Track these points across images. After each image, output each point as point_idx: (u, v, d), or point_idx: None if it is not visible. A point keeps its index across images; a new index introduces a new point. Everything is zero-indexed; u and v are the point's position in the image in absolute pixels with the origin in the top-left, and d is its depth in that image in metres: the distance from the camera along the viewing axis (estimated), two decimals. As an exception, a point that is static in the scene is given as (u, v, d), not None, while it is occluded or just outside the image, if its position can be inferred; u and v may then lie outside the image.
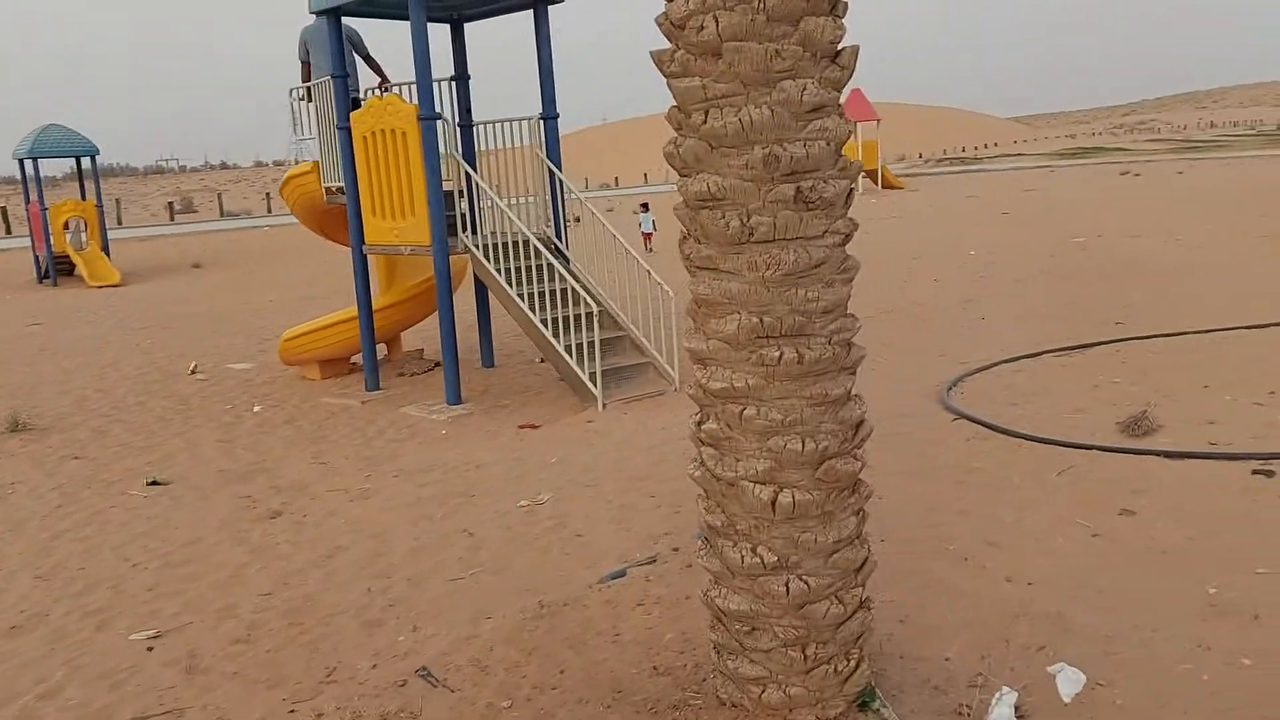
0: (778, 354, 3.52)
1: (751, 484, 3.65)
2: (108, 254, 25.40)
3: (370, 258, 10.55)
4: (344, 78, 9.94)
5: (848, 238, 3.68)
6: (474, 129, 10.71)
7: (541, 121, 9.99)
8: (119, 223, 44.67)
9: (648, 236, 23.32)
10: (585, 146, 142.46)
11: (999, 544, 5.12)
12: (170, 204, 47.48)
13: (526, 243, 9.91)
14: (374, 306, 10.82)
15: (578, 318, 9.42)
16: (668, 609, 4.67)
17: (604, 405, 8.64)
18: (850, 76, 3.59)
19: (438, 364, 11.62)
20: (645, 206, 24.50)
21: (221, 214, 48.41)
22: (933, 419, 7.42)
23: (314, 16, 10.08)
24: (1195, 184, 33.66)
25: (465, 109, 10.83)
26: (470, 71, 10.91)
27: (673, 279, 18.22)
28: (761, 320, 3.51)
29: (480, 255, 9.38)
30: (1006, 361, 9.13)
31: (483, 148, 10.67)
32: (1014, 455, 6.43)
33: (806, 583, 3.69)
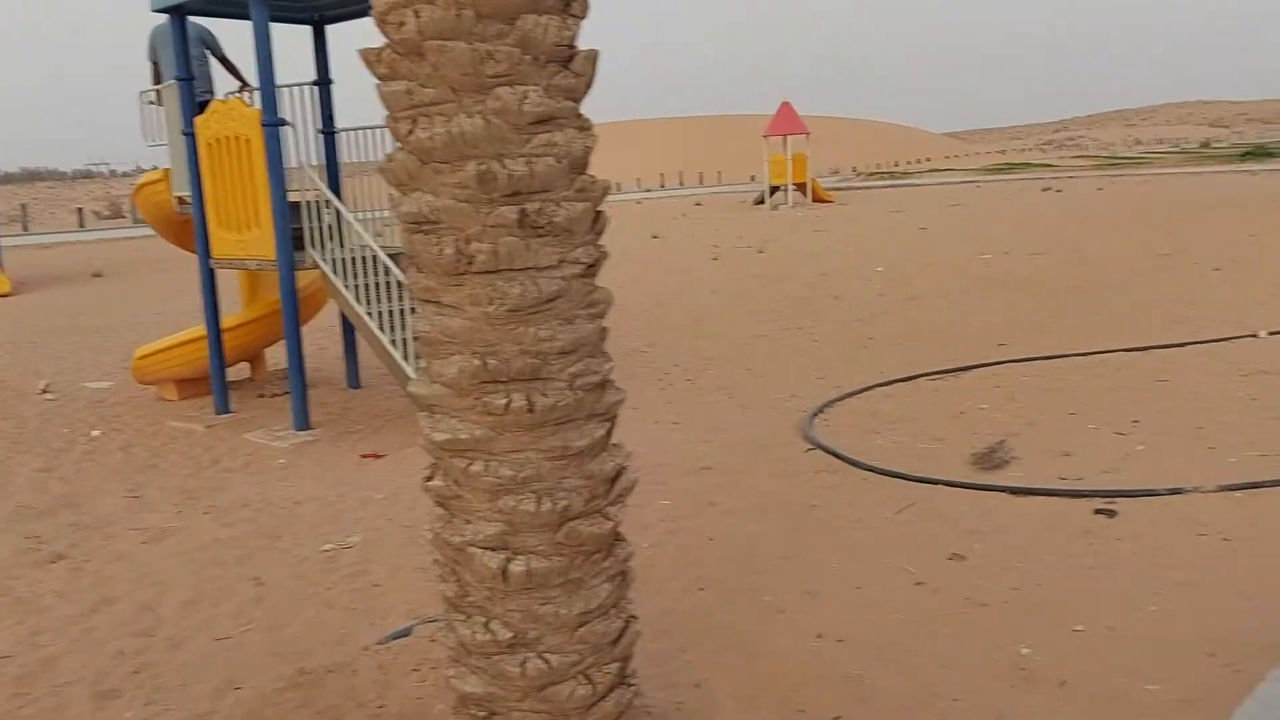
0: (505, 401, 3.06)
1: (480, 550, 3.18)
2: (-1, 263, 24.28)
3: (235, 271, 9.95)
4: (188, 80, 9.33)
5: (592, 268, 3.23)
6: (336, 137, 10.15)
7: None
8: (24, 229, 43.18)
9: None
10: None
11: (818, 594, 4.71)
12: (79, 210, 45.86)
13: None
14: (231, 323, 10.20)
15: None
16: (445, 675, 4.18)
17: (453, 432, 8.12)
18: (589, 84, 3.16)
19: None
20: None
21: (136, 221, 47.02)
22: (788, 449, 7.03)
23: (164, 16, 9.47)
24: (1110, 200, 33.99)
25: (327, 115, 10.27)
26: (334, 76, 10.36)
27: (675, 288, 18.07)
28: (485, 362, 3.05)
29: (329, 270, 8.82)
30: (880, 385, 8.79)
31: (348, 158, 10.12)
32: (858, 491, 6.05)
33: (547, 661, 3.23)
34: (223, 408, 9.86)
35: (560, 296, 3.10)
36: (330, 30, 10.31)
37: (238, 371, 11.28)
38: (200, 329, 10.51)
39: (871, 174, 72.13)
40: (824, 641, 4.26)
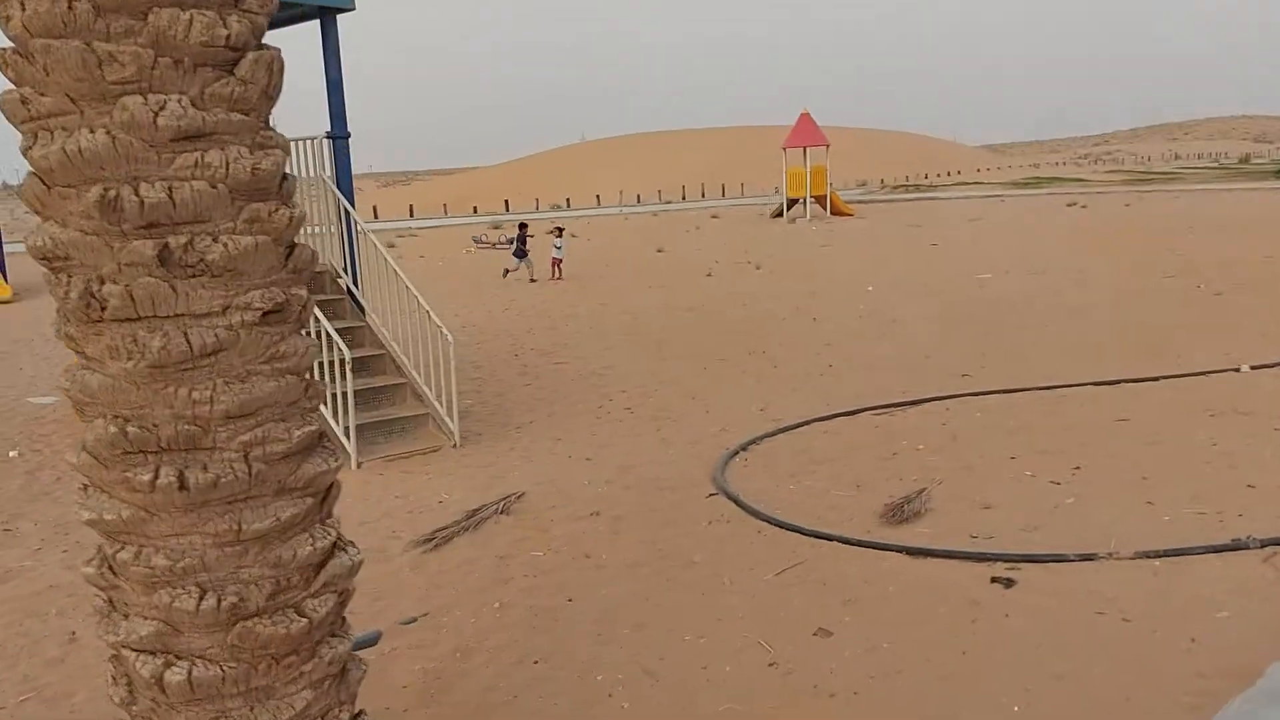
0: (151, 475, 2.53)
1: (134, 653, 2.65)
2: (3, 269, 24.16)
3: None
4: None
5: (277, 314, 2.68)
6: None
7: (329, 141, 8.99)
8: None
9: (556, 263, 22.27)
10: (562, 165, 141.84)
11: (657, 674, 4.14)
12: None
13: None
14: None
15: (357, 361, 8.42)
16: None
17: (358, 464, 7.61)
18: (268, 93, 2.63)
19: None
20: (559, 231, 23.45)
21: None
22: (692, 492, 6.45)
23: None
24: (1133, 217, 33.09)
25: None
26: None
27: (579, 306, 17.52)
28: (126, 429, 2.51)
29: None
30: (820, 420, 8.18)
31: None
32: (748, 545, 5.46)
33: (226, 785, 2.69)
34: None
35: (224, 350, 2.56)
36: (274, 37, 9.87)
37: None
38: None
39: (897, 187, 71.24)
40: (644, 735, 3.69)
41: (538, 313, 16.45)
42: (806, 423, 8.08)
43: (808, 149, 43.76)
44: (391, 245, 35.65)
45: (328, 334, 7.69)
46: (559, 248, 22.41)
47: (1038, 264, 19.37)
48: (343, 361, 7.91)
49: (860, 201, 55.14)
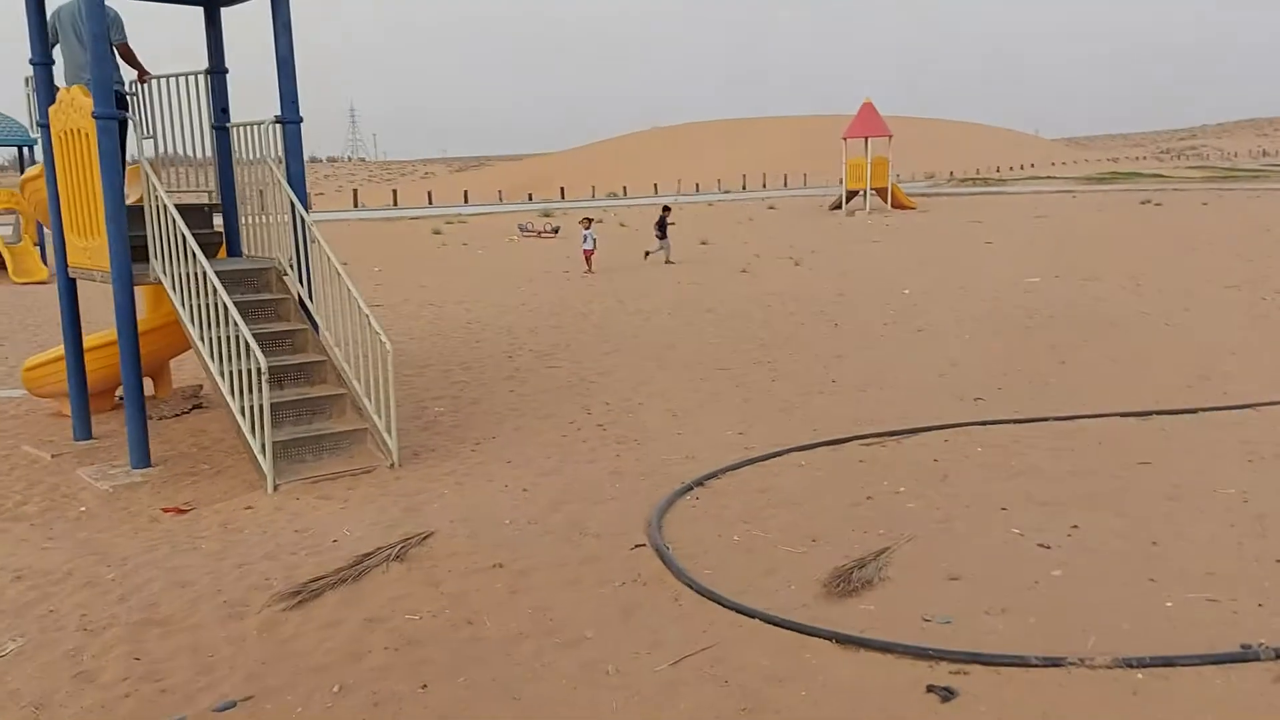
0: None
1: None
2: (42, 249, 24.12)
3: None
4: (45, 65, 8.32)
5: None
6: (231, 133, 9.03)
7: (278, 126, 8.27)
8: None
9: (588, 255, 21.50)
10: (627, 152, 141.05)
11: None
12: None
13: (250, 274, 8.25)
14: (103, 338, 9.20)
15: (295, 368, 7.73)
16: None
17: (276, 485, 6.88)
18: None
19: (198, 405, 9.99)
20: (588, 222, 22.66)
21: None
22: (620, 541, 5.60)
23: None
24: (1208, 216, 31.34)
25: (221, 108, 9.16)
26: (231, 64, 9.25)
27: (595, 303, 16.70)
28: None
29: (169, 286, 7.70)
30: (799, 450, 7.28)
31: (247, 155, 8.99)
32: (657, 617, 4.61)
33: None
34: (83, 433, 8.81)
35: None
36: (226, 14, 9.21)
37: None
38: (99, 335, 9.53)
39: (965, 180, 69.18)
40: None
41: (551, 309, 15.70)
42: (781, 453, 7.18)
43: (869, 139, 42.34)
44: (437, 232, 35.27)
45: (242, 338, 6.94)
46: (587, 238, 21.65)
47: (1093, 268, 18.11)
48: (286, 367, 7.23)
49: (924, 195, 53.51)
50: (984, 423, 7.76)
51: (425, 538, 5.63)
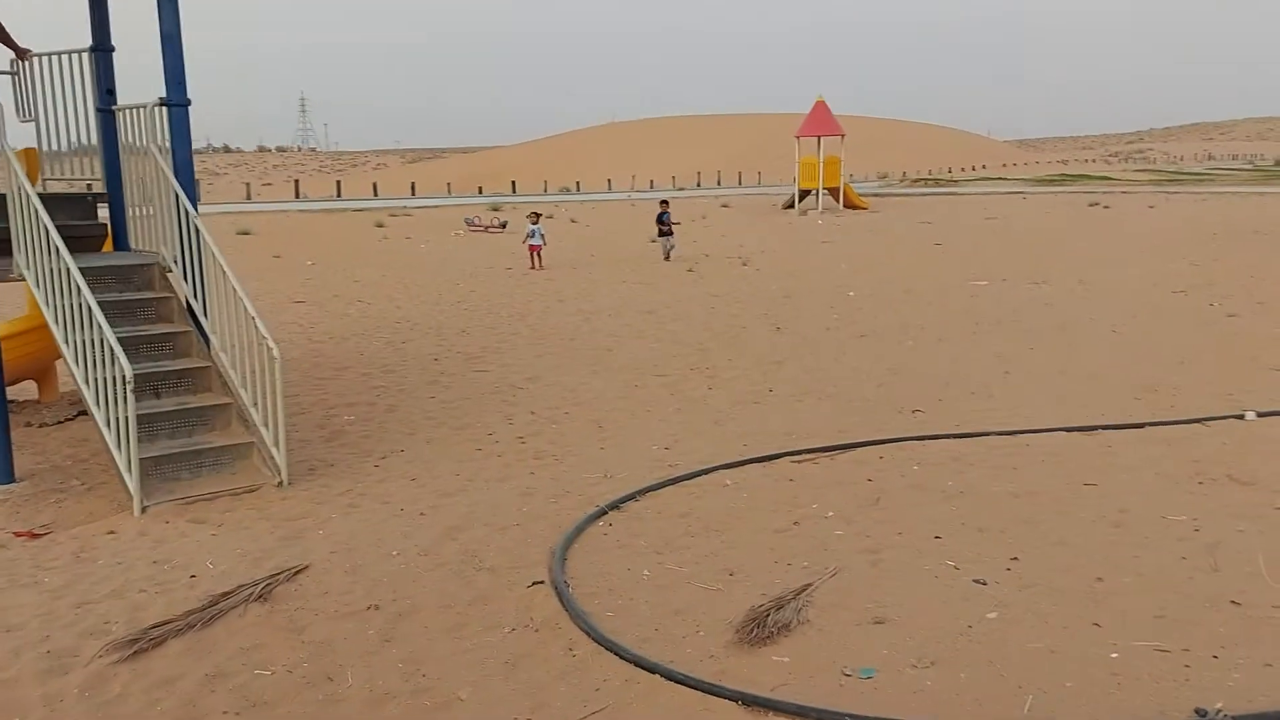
0: None
1: None
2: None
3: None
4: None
5: None
6: (119, 116, 8.32)
7: (163, 109, 7.58)
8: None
9: (535, 250, 20.86)
10: (585, 147, 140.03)
11: None
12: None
13: (130, 271, 7.57)
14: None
15: (175, 375, 7.07)
16: None
17: (144, 507, 6.23)
18: None
19: (84, 412, 9.26)
20: (535, 216, 22.02)
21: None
22: (523, 574, 5.04)
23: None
24: (1155, 220, 31.37)
25: (107, 89, 8.46)
26: (119, 42, 8.55)
27: (535, 302, 16.07)
28: None
29: (32, 283, 7.00)
30: (726, 468, 6.76)
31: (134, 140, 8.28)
32: (546, 669, 4.05)
33: None
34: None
35: None
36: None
37: (23, 391, 9.56)
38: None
39: (917, 180, 69.31)
40: None
41: (488, 308, 15.09)
42: (707, 471, 6.66)
43: (822, 138, 42.02)
44: (380, 225, 34.41)
45: (107, 343, 6.27)
46: (532, 234, 21.00)
47: (1042, 270, 17.82)
48: (152, 374, 6.57)
49: (877, 195, 53.37)
50: (922, 437, 7.29)
51: (297, 572, 5.03)
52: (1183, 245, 22.11)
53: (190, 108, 7.68)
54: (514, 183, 63.65)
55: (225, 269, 7.02)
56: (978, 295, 15.04)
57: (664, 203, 23.33)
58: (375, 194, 54.23)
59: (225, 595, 4.73)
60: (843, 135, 42.05)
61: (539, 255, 20.84)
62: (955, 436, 7.29)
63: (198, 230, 7.29)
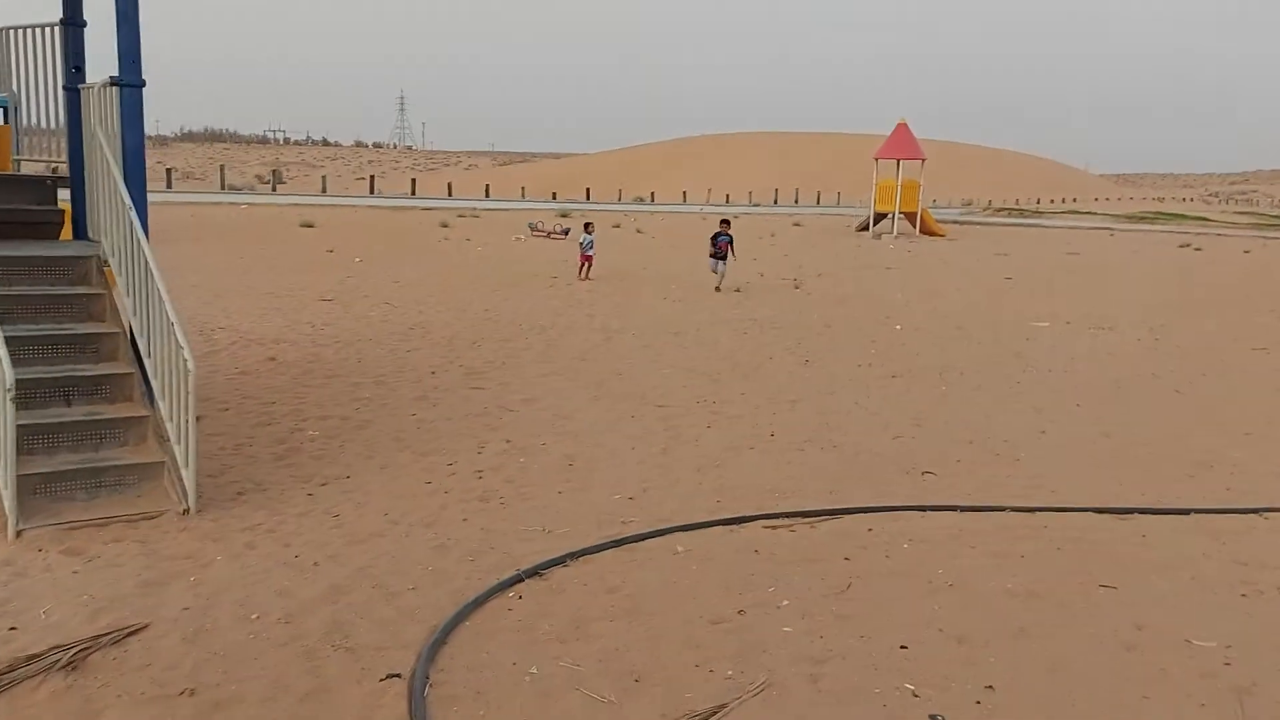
0: None
1: None
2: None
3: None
4: None
5: None
6: (83, 95, 7.73)
7: (113, 88, 6.93)
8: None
9: (587, 260, 20.20)
10: (665, 157, 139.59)
11: None
12: (169, 170, 45.50)
13: (65, 263, 6.95)
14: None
15: (91, 381, 6.42)
16: None
17: (19, 531, 5.55)
18: None
19: None
20: (589, 227, 21.32)
21: (223, 186, 46.57)
22: (384, 660, 4.22)
23: None
24: (1250, 266, 29.53)
25: (76, 66, 7.89)
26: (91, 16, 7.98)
27: (563, 316, 15.39)
28: None
29: (-52, 276, 6.42)
30: (686, 529, 5.87)
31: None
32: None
33: None
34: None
35: None
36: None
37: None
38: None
39: (1001, 209, 67.20)
40: None
41: (512, 318, 14.37)
42: (661, 532, 5.78)
43: (901, 161, 40.70)
44: (445, 225, 34.07)
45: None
46: (584, 244, 20.33)
47: (1112, 315, 16.53)
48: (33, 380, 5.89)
49: (956, 222, 51.71)
50: (923, 508, 6.31)
51: (131, 633, 4.28)
52: (1273, 295, 20.52)
53: (144, 89, 7.03)
54: (588, 190, 63.21)
55: (150, 263, 6.32)
56: (1033, 338, 13.87)
57: (724, 222, 19.77)
58: (450, 194, 54.19)
59: (31, 659, 4.00)
60: (923, 159, 40.71)
61: (589, 265, 20.18)
62: (961, 509, 6.30)
63: (128, 220, 6.62)
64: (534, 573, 5.11)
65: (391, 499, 6.43)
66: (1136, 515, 6.35)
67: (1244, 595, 5.16)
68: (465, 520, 6.03)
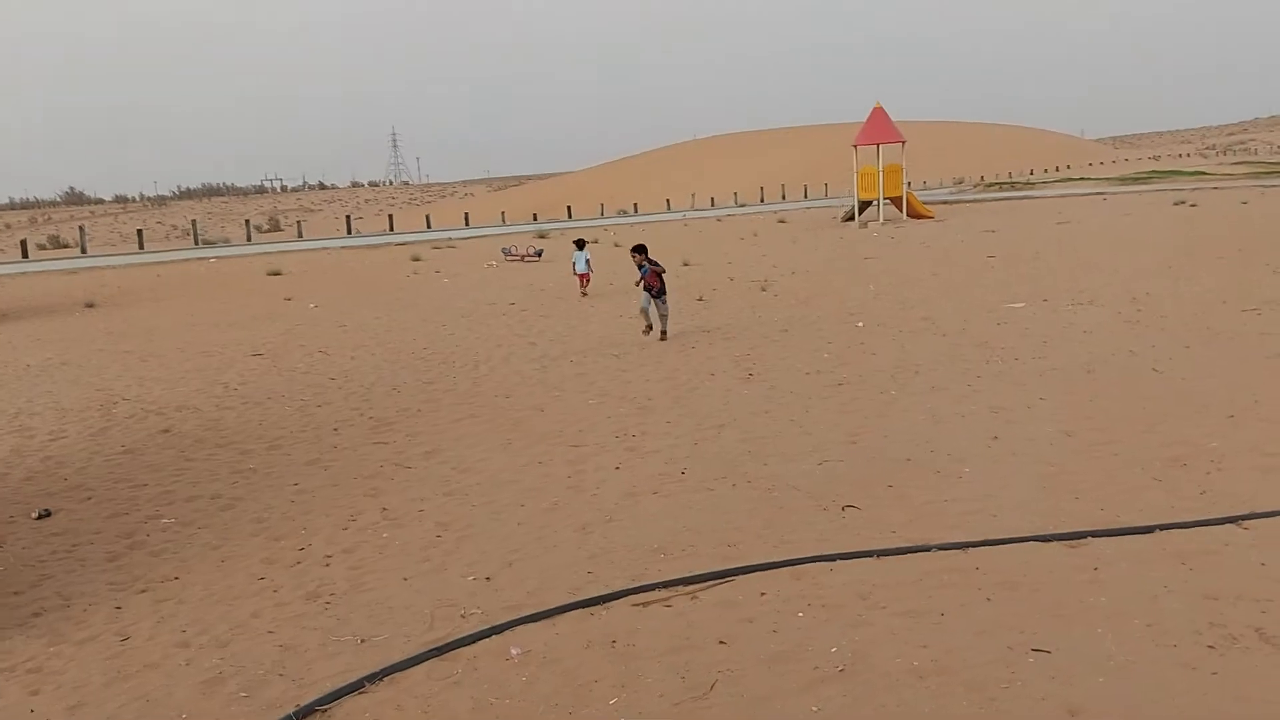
0: None
1: None
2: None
3: None
4: None
5: None
6: None
7: None
8: (83, 251, 42.25)
9: (583, 278, 19.38)
10: (648, 167, 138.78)
11: None
12: (139, 231, 44.72)
13: None
14: None
15: None
16: None
17: None
18: None
19: None
20: (580, 244, 20.35)
21: (196, 241, 45.81)
22: None
23: None
24: (1245, 218, 28.32)
25: None
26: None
27: (502, 347, 14.44)
28: None
29: None
30: (530, 620, 4.82)
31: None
32: None
33: None
34: None
35: None
36: None
37: None
38: None
39: (991, 184, 65.98)
40: None
41: (445, 356, 13.37)
42: (501, 628, 4.73)
43: (881, 146, 39.56)
44: (417, 259, 33.12)
45: None
46: (576, 262, 19.55)
47: (1094, 287, 15.41)
48: None
49: (945, 202, 50.56)
50: (831, 557, 5.24)
51: None
52: (1269, 248, 19.35)
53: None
54: (569, 208, 62.26)
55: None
56: (1006, 322, 12.78)
57: (639, 249, 13.47)
58: (429, 226, 53.35)
59: None
60: (903, 142, 39.63)
61: (585, 282, 19.43)
62: (877, 555, 5.22)
63: None
64: (308, 711, 4.06)
65: (205, 607, 5.41)
66: (1089, 539, 5.26)
67: (1211, 647, 4.07)
68: (271, 632, 4.99)
